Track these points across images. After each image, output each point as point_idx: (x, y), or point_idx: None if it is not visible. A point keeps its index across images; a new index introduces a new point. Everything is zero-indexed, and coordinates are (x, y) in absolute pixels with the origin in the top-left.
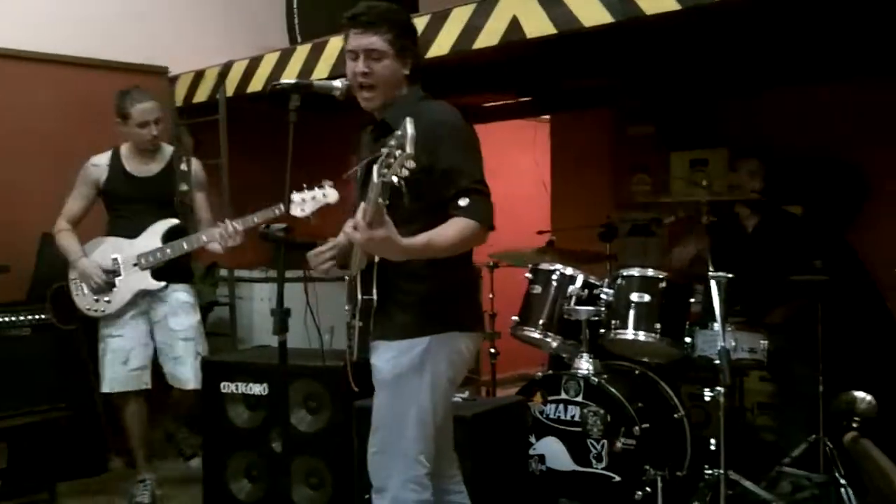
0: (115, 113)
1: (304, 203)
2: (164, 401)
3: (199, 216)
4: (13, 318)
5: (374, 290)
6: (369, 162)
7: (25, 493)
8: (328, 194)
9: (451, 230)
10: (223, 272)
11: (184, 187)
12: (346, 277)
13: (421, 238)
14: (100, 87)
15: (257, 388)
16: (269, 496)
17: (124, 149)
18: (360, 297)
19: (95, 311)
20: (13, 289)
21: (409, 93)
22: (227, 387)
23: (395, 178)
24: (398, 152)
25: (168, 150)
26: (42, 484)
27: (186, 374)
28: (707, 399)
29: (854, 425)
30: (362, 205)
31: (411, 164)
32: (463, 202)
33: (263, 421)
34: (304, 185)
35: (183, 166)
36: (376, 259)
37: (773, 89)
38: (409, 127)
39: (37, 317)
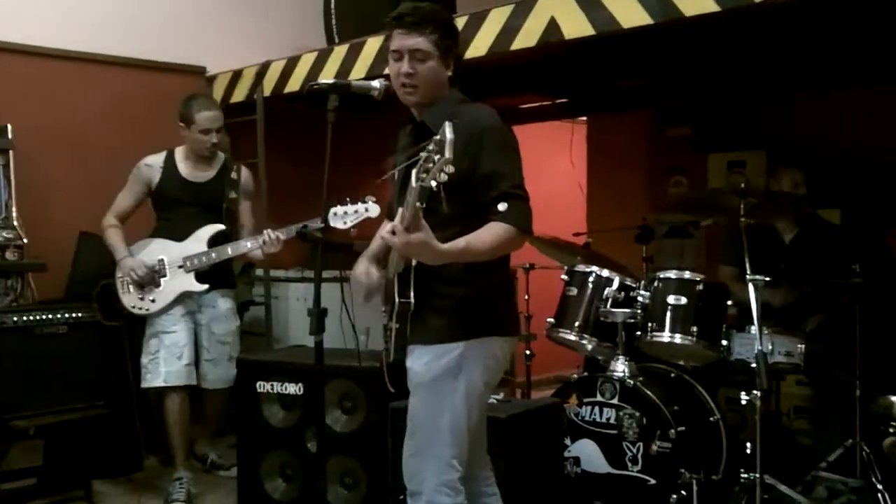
0: (180, 116)
1: (346, 216)
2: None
3: (242, 222)
4: (50, 316)
5: (412, 294)
6: (408, 165)
7: (61, 490)
8: (370, 209)
9: (489, 235)
10: (259, 272)
11: (232, 194)
12: (384, 279)
13: (458, 242)
14: (138, 86)
15: (292, 388)
16: (303, 496)
17: (179, 152)
18: (397, 299)
19: (140, 308)
20: (50, 287)
21: (449, 95)
22: (262, 386)
23: (433, 183)
24: (437, 157)
25: (221, 156)
26: (78, 481)
27: (219, 375)
28: (743, 402)
29: (892, 430)
30: (400, 210)
31: (450, 168)
32: (502, 207)
33: (298, 420)
34: (348, 199)
35: (233, 174)
36: (413, 262)
37: (812, 91)
38: (449, 131)
39: (74, 315)
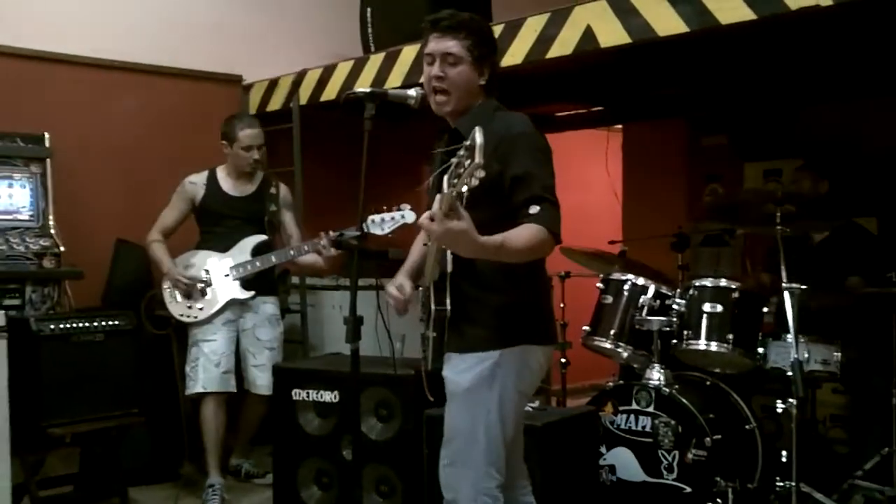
0: (222, 135)
1: (383, 223)
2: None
3: (289, 233)
4: (87, 324)
5: (448, 301)
6: (440, 172)
7: (97, 497)
8: (406, 216)
9: (523, 235)
10: (295, 280)
11: (273, 207)
12: (420, 287)
13: (496, 237)
14: (175, 95)
15: (328, 396)
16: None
17: (221, 170)
18: (433, 307)
19: (188, 317)
20: (87, 295)
21: (483, 103)
22: (298, 394)
23: (464, 188)
24: (468, 162)
25: (260, 173)
26: (114, 489)
27: (265, 380)
28: (779, 411)
29: None
30: (438, 196)
31: (481, 173)
32: (533, 209)
33: (334, 428)
34: (385, 207)
35: (272, 189)
36: (449, 269)
37: (849, 98)
38: (479, 136)
39: (111, 322)
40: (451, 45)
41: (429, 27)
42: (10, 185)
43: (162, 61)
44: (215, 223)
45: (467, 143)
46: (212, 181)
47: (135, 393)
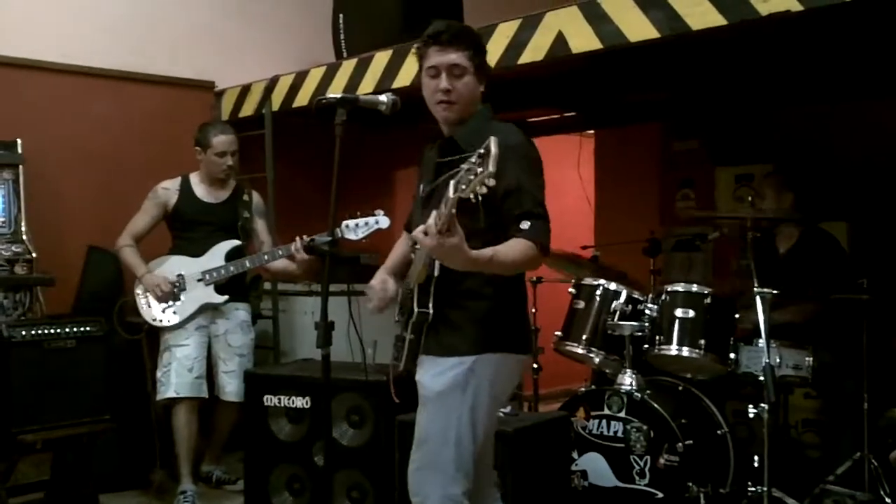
0: (196, 142)
1: (357, 228)
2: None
3: (261, 239)
4: (59, 331)
5: (431, 305)
6: (438, 172)
7: None
8: (380, 221)
9: (514, 250)
10: (267, 285)
11: (245, 214)
12: (401, 289)
13: (487, 251)
14: (148, 101)
15: (300, 402)
16: None
17: (194, 176)
18: (416, 309)
19: (161, 321)
20: (59, 301)
21: (480, 112)
22: (269, 400)
23: (471, 196)
24: (480, 169)
25: (233, 181)
26: (85, 496)
27: (235, 387)
28: (751, 415)
29: None
30: (434, 212)
31: (491, 182)
32: (525, 225)
33: (306, 434)
34: (358, 213)
35: (245, 196)
36: (436, 273)
37: (821, 103)
38: (494, 146)
39: (82, 329)
40: (455, 56)
41: (428, 41)
42: None
43: (134, 67)
44: (188, 229)
45: (481, 150)
46: (185, 187)
47: (106, 399)
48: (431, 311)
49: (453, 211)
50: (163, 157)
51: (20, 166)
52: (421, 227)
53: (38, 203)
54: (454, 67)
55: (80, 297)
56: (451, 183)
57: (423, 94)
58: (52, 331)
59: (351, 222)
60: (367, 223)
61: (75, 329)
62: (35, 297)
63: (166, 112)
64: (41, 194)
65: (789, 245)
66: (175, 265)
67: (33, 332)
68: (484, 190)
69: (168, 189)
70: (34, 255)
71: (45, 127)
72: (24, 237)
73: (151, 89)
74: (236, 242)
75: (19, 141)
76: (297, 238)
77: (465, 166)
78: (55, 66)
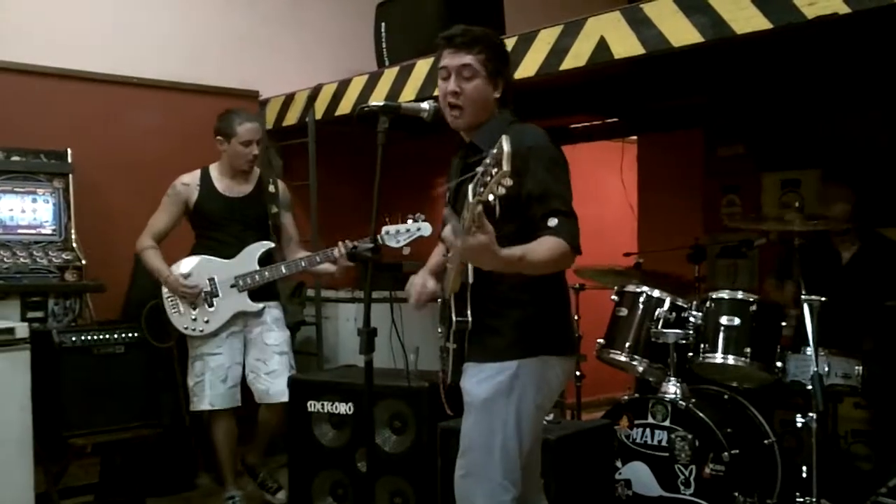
0: (218, 131)
1: (398, 235)
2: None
3: (289, 234)
4: (108, 336)
5: (469, 313)
6: (459, 183)
7: None
8: (422, 227)
9: (543, 247)
10: (310, 292)
11: (274, 209)
12: (438, 300)
13: (516, 250)
14: (193, 110)
15: (343, 408)
16: None
17: (214, 169)
18: (454, 318)
19: (194, 330)
20: (108, 307)
21: (499, 116)
22: (313, 405)
23: (490, 197)
24: (494, 170)
25: (256, 172)
26: (133, 499)
27: (281, 386)
28: (799, 425)
29: None
30: (463, 213)
31: (508, 181)
32: (552, 222)
33: (349, 440)
34: (399, 217)
35: (271, 188)
36: (471, 280)
37: (869, 107)
38: (506, 144)
39: (131, 335)
40: (467, 59)
41: (443, 43)
42: (34, 201)
43: (182, 77)
44: (215, 228)
45: (494, 151)
46: (205, 181)
47: (152, 404)
48: (470, 318)
49: (480, 209)
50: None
51: (70, 175)
52: (449, 228)
53: (87, 211)
54: (464, 69)
55: (128, 303)
56: (470, 188)
57: (439, 96)
58: (101, 337)
59: (392, 228)
60: (408, 230)
61: (123, 335)
62: (85, 303)
63: (211, 122)
64: (90, 203)
65: (853, 252)
66: (205, 268)
67: (83, 338)
68: (502, 191)
69: (188, 185)
70: (84, 262)
71: (95, 137)
72: (74, 245)
73: (198, 99)
74: (270, 245)
75: (69, 150)
76: (340, 242)
77: (479, 169)
78: (104, 76)
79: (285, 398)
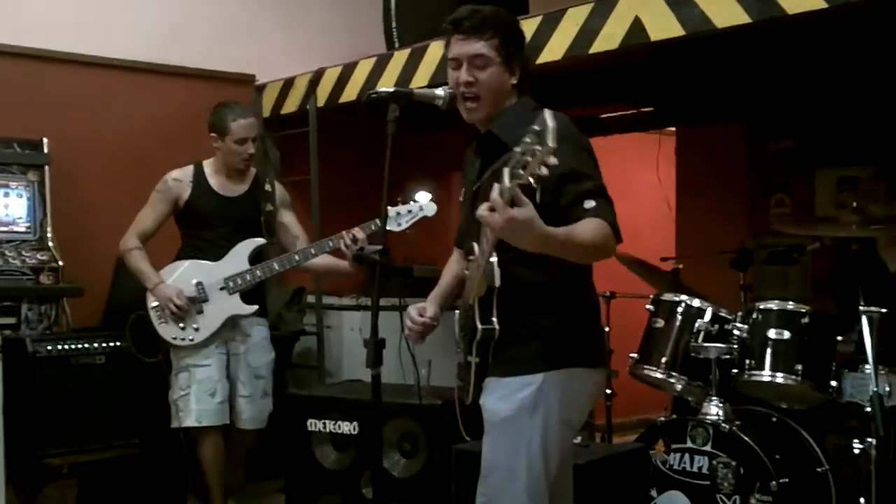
0: (211, 127)
1: (399, 217)
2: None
3: (294, 233)
4: (88, 346)
5: (495, 319)
6: (480, 175)
7: None
8: (425, 207)
9: (588, 229)
10: (310, 298)
11: (269, 207)
12: (457, 310)
13: (560, 229)
14: (183, 96)
15: (347, 427)
16: None
17: (208, 165)
18: (479, 326)
19: (183, 339)
20: (88, 313)
21: (517, 103)
22: (313, 424)
23: (531, 180)
24: (538, 147)
25: (252, 170)
26: None
27: (255, 413)
28: (856, 451)
29: None
30: (496, 185)
31: (553, 160)
32: (589, 204)
33: (353, 463)
34: (399, 200)
35: (267, 186)
36: (497, 283)
37: None
38: (550, 119)
39: (112, 343)
40: (478, 46)
41: (450, 29)
42: (6, 195)
43: (169, 60)
44: (204, 227)
45: (535, 127)
46: (199, 178)
47: (136, 421)
48: (497, 325)
49: (517, 183)
50: (199, 157)
51: (46, 167)
52: (485, 204)
53: (65, 207)
54: (476, 58)
55: (109, 309)
56: (506, 170)
57: (449, 86)
58: (80, 346)
59: (391, 210)
60: (409, 211)
61: (104, 344)
62: (61, 308)
63: (203, 108)
64: (69, 198)
65: None
66: (191, 272)
67: (60, 347)
68: (545, 171)
69: (180, 181)
70: (61, 263)
71: (74, 125)
72: (50, 244)
73: (188, 84)
74: (260, 241)
75: (45, 140)
76: (345, 233)
77: (518, 149)
78: (85, 59)
79: (256, 424)
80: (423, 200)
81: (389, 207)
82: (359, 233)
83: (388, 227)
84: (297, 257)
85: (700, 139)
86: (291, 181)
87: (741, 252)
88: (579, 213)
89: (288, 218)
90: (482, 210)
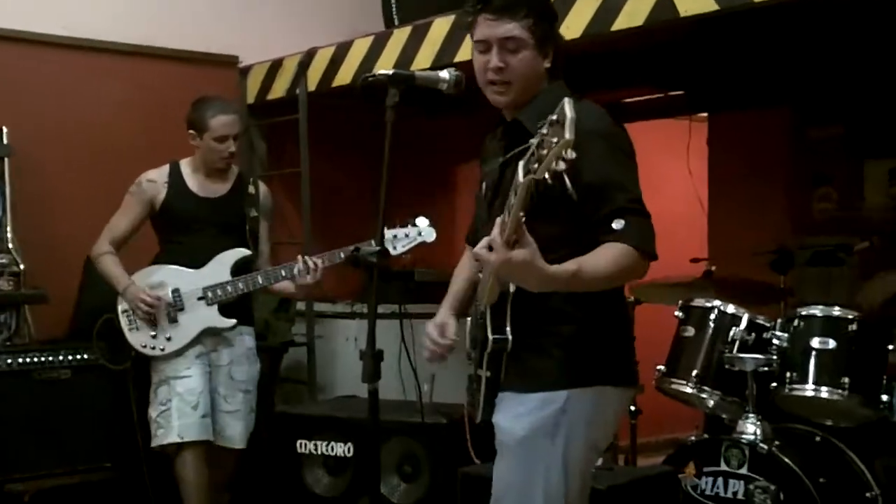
0: (189, 123)
1: (395, 241)
2: None
3: (261, 248)
4: (52, 358)
5: (509, 329)
6: (503, 165)
7: None
8: (424, 233)
9: (605, 258)
10: (300, 306)
11: (253, 213)
12: (468, 318)
13: (569, 265)
14: (159, 80)
15: (341, 448)
16: None
17: (185, 164)
18: (490, 336)
19: (153, 348)
20: (52, 322)
21: (549, 89)
22: (304, 445)
23: (546, 176)
24: (555, 140)
25: (234, 169)
26: None
27: (239, 430)
28: None
29: None
30: (499, 220)
31: (571, 154)
32: (617, 224)
33: (348, 488)
34: (397, 222)
35: (251, 189)
36: (511, 289)
37: None
38: (569, 109)
39: (79, 356)
40: (510, 27)
41: (476, 7)
42: None
43: (144, 40)
44: (182, 231)
45: (553, 117)
46: (175, 178)
47: (108, 442)
48: (510, 336)
49: (521, 215)
50: (177, 149)
51: (6, 159)
52: (484, 241)
53: (27, 204)
54: (508, 41)
55: (76, 318)
56: (520, 164)
57: (475, 72)
58: (44, 359)
59: (388, 233)
60: (407, 235)
61: (70, 357)
62: (23, 317)
63: (180, 93)
64: (31, 193)
65: None
66: (168, 278)
67: (21, 360)
68: (562, 166)
69: (155, 182)
70: (22, 266)
71: (39, 112)
72: (10, 245)
73: (163, 67)
74: (245, 252)
75: (5, 129)
76: (301, 258)
77: (534, 140)
78: (52, 39)
79: (239, 444)
80: (422, 225)
81: (386, 230)
82: (321, 261)
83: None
84: (282, 272)
85: (735, 126)
86: (279, 175)
87: (781, 252)
88: (604, 235)
89: (263, 229)
90: (479, 248)
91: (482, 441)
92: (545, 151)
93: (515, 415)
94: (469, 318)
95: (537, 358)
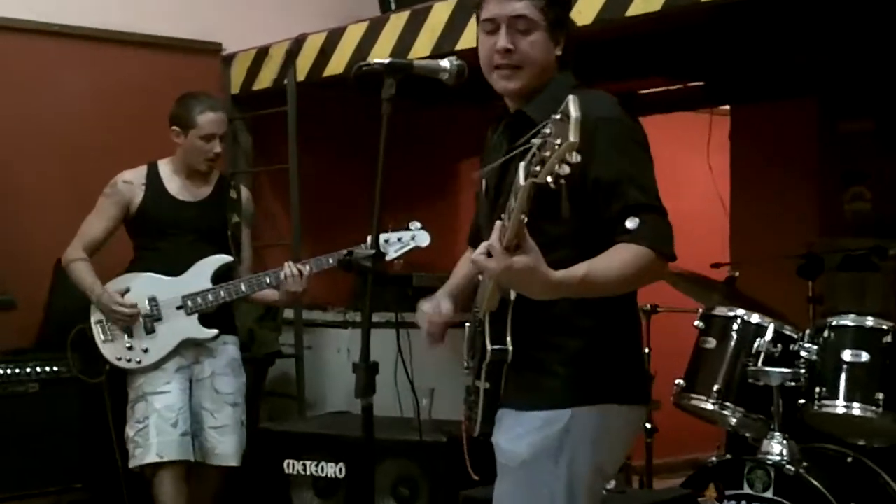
0: (173, 119)
1: (387, 245)
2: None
3: (243, 254)
4: (20, 371)
5: (509, 339)
6: (504, 163)
7: None
8: (417, 237)
9: (617, 260)
10: (288, 314)
11: (235, 218)
12: (467, 323)
13: (576, 270)
14: (136, 69)
15: (332, 469)
16: None
17: (164, 165)
18: (488, 346)
19: (129, 361)
20: (19, 332)
21: (558, 79)
22: (291, 466)
23: (549, 180)
24: (557, 141)
25: (216, 172)
26: None
27: (230, 447)
28: None
29: None
30: (499, 223)
31: (575, 157)
32: (631, 223)
33: None
34: (390, 226)
35: (232, 193)
36: (512, 296)
37: None
38: (574, 108)
39: (49, 368)
40: (521, 6)
41: None
42: None
43: (119, 26)
44: (159, 237)
45: (556, 116)
46: (153, 180)
47: (80, 461)
48: (510, 346)
49: (522, 217)
50: (155, 144)
51: None
52: (482, 247)
53: None
54: (518, 20)
55: (45, 327)
56: (521, 166)
57: (479, 56)
58: (10, 371)
59: (381, 237)
60: (400, 240)
61: (39, 369)
62: None
63: (159, 84)
64: None
65: None
66: (145, 286)
67: None
68: (566, 169)
69: (131, 183)
70: None
71: (2, 105)
72: None
73: (142, 55)
74: (227, 258)
75: None
76: (287, 265)
77: (536, 141)
78: (21, 24)
79: (233, 462)
80: (416, 229)
81: (381, 233)
82: (305, 269)
83: None
84: (267, 279)
85: (759, 119)
86: (266, 171)
87: (809, 257)
88: (618, 235)
89: (245, 235)
90: (477, 255)
91: (482, 459)
92: (548, 153)
93: (516, 435)
94: (467, 325)
95: (540, 375)
